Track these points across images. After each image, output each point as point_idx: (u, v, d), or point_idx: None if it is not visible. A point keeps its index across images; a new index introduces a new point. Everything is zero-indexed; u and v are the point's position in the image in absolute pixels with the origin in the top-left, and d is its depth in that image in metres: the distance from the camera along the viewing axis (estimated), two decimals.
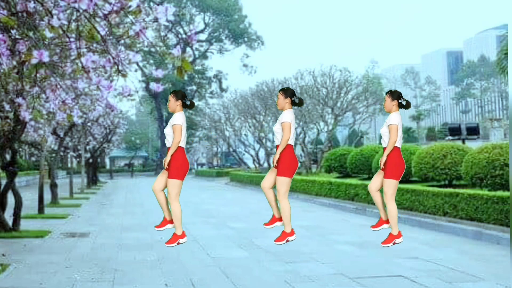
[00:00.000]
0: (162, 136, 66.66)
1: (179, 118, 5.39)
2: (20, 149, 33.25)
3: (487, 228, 9.85)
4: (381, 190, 5.84)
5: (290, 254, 8.58)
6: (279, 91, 5.68)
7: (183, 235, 5.55)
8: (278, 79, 36.67)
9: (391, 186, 5.66)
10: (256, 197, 22.98)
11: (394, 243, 5.81)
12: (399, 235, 5.82)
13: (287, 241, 5.82)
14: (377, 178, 5.75)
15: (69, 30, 4.75)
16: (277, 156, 5.51)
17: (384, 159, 5.54)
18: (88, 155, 29.91)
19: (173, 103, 5.42)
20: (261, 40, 67.03)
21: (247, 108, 39.12)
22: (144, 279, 6.99)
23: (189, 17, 65.17)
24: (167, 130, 5.43)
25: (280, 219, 5.91)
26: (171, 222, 5.61)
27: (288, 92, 5.61)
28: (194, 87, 69.66)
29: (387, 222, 5.95)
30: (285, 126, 5.48)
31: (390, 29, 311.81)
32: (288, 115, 5.52)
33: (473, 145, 17.11)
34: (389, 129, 5.51)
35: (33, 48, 4.63)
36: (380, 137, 5.87)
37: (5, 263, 7.82)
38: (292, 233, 5.85)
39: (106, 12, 4.29)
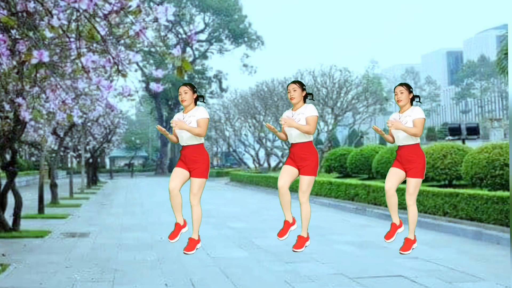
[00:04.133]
0: (162, 137, 66.68)
1: (206, 112, 5.07)
2: (20, 149, 33.25)
3: (487, 228, 9.85)
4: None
5: (290, 254, 8.56)
6: (295, 82, 5.22)
7: (199, 240, 5.26)
8: (278, 79, 36.72)
9: (419, 185, 5.29)
10: (256, 197, 22.98)
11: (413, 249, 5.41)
12: (415, 240, 5.44)
13: (305, 246, 5.45)
14: (396, 177, 5.22)
15: (69, 30, 4.76)
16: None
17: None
18: (88, 155, 29.90)
19: (191, 96, 5.03)
20: (261, 40, 67.02)
21: (247, 108, 39.15)
22: (144, 279, 6.99)
23: (189, 17, 65.16)
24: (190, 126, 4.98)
25: (293, 223, 5.46)
26: (184, 226, 5.33)
27: (303, 85, 5.22)
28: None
29: (400, 225, 5.43)
30: (314, 121, 5.11)
31: (390, 29, 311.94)
32: (315, 109, 5.18)
33: (473, 144, 17.11)
34: (414, 122, 5.14)
35: (33, 48, 4.64)
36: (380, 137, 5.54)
37: (5, 263, 7.82)
38: (308, 237, 5.47)
39: (106, 12, 4.29)
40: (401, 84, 5.30)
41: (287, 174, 5.27)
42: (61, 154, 26.33)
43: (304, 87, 5.21)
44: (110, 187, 34.65)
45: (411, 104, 5.27)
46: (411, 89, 5.31)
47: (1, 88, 7.28)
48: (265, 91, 36.66)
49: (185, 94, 5.02)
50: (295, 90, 5.15)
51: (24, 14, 4.74)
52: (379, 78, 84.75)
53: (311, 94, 5.30)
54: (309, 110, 5.12)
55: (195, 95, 5.06)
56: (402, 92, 5.19)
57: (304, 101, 5.20)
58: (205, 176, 5.08)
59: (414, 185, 5.20)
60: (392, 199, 5.28)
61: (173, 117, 5.11)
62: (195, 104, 5.08)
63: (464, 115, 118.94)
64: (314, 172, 5.25)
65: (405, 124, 5.15)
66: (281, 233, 5.45)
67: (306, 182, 5.26)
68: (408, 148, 5.18)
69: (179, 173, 5.05)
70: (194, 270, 7.52)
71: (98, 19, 4.51)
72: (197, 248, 5.23)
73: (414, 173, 5.18)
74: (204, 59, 69.63)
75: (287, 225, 5.46)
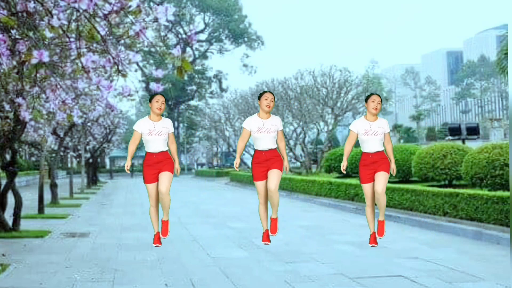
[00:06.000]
0: None
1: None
2: (20, 149, 33.25)
3: (487, 228, 9.85)
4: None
5: (290, 254, 8.58)
6: (270, 92, 5.60)
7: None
8: (278, 79, 36.68)
9: (387, 178, 5.76)
10: (256, 197, 22.91)
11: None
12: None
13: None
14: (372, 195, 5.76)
15: (69, 30, 4.76)
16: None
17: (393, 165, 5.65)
18: (88, 155, 29.90)
19: (164, 107, 5.52)
20: (261, 40, 67.12)
21: (247, 108, 39.12)
22: (144, 279, 6.99)
23: (189, 17, 65.22)
24: (164, 136, 5.46)
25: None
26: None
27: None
28: (194, 87, 69.68)
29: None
30: (282, 134, 5.66)
31: (390, 29, 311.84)
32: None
33: (473, 144, 17.11)
34: (386, 136, 5.57)
35: (33, 48, 4.64)
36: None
37: (5, 263, 7.82)
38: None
39: (106, 12, 4.29)
40: (378, 95, 5.58)
41: (265, 189, 5.76)
42: (61, 154, 26.33)
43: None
44: (110, 187, 34.65)
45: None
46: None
47: (1, 88, 7.28)
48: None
49: (163, 104, 5.45)
50: (272, 101, 5.52)
51: (24, 14, 4.74)
52: (379, 78, 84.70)
53: None
54: (280, 124, 5.58)
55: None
56: (379, 103, 5.52)
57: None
58: (173, 172, 5.58)
59: (385, 177, 5.58)
60: (373, 213, 5.84)
61: (140, 123, 5.55)
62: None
63: (464, 115, 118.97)
64: (282, 168, 5.67)
65: (376, 133, 5.52)
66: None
67: (278, 174, 5.63)
68: (380, 154, 5.58)
69: (155, 188, 5.58)
70: (194, 270, 7.53)
71: (98, 19, 4.51)
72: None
73: (384, 169, 5.58)
74: (204, 59, 69.70)
75: (266, 233, 5.98)
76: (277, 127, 5.54)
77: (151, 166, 5.52)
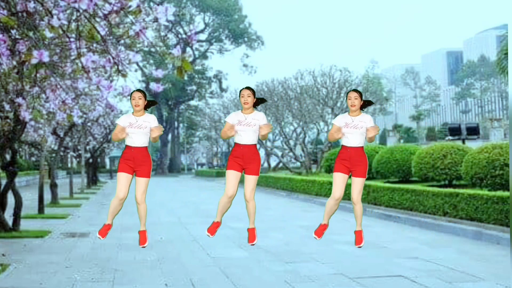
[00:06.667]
0: (162, 136, 66.78)
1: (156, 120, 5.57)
2: (20, 149, 33.25)
3: (487, 228, 9.85)
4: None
5: (290, 254, 8.59)
6: (249, 89, 5.53)
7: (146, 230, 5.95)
8: (278, 79, 36.71)
9: (363, 183, 5.80)
10: (255, 197, 22.95)
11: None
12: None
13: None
14: (344, 184, 5.78)
15: (69, 30, 4.76)
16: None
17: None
18: (88, 155, 29.91)
19: (143, 103, 5.38)
20: (261, 40, 67.10)
21: None
22: (144, 279, 6.99)
23: (189, 17, 65.22)
24: (144, 130, 5.39)
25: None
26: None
27: (254, 92, 5.60)
28: (194, 87, 69.68)
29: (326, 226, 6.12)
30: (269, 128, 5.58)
31: (390, 29, 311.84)
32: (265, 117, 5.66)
33: (473, 144, 17.12)
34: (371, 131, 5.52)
35: (33, 48, 4.64)
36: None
37: (5, 263, 7.82)
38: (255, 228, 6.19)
39: (106, 12, 4.29)
40: (355, 91, 5.67)
41: (236, 180, 5.86)
42: (61, 154, 26.33)
43: (255, 94, 5.58)
44: (110, 187, 34.65)
45: (361, 110, 5.60)
46: (362, 97, 5.62)
47: (1, 88, 7.28)
48: (265, 91, 36.67)
49: (139, 100, 5.33)
50: (249, 96, 5.49)
51: (24, 14, 4.74)
52: (379, 78, 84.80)
53: (264, 100, 5.72)
54: (264, 119, 5.56)
55: (146, 101, 5.40)
56: (356, 98, 5.56)
57: (254, 107, 5.61)
58: (149, 175, 5.59)
59: (361, 183, 5.70)
60: (337, 206, 5.95)
61: (122, 117, 5.45)
62: (145, 110, 5.47)
63: (464, 115, 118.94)
64: (258, 171, 5.80)
65: (356, 126, 5.53)
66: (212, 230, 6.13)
67: (254, 181, 5.84)
68: (357, 150, 5.58)
69: (126, 179, 5.56)
70: (194, 270, 7.53)
71: (98, 19, 4.52)
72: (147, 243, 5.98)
73: (360, 173, 5.65)
74: (204, 59, 69.69)
75: (216, 225, 6.16)
76: (259, 122, 5.54)
77: (127, 159, 5.47)
